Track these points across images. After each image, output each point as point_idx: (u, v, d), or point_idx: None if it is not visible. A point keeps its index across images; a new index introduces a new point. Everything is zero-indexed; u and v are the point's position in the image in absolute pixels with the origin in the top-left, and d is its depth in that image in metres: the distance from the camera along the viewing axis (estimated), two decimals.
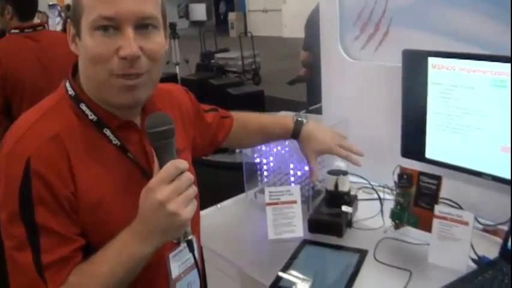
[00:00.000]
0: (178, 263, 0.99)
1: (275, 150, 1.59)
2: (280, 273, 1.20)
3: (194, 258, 0.91)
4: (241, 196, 1.68)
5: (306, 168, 1.46)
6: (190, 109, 1.19)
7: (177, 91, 1.18)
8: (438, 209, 1.17)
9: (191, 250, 0.88)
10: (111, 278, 0.83)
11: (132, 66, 0.85)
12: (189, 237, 0.86)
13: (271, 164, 1.62)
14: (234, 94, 5.12)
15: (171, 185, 0.80)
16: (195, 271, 0.97)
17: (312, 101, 3.14)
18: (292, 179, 1.56)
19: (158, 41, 0.89)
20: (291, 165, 1.55)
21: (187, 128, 1.15)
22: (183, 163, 0.83)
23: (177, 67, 6.63)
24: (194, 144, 1.19)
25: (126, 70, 0.85)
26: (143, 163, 0.94)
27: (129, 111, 0.94)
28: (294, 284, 1.16)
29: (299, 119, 1.33)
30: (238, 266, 1.30)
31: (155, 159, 0.86)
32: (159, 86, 1.08)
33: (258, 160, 1.64)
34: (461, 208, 1.29)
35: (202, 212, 1.19)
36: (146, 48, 0.86)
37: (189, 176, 0.83)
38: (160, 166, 0.83)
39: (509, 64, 1.13)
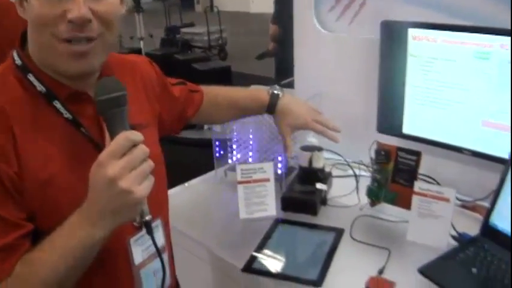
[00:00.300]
0: (142, 247, 0.90)
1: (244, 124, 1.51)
2: (254, 254, 1.14)
3: (153, 241, 0.81)
4: (211, 174, 1.61)
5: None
6: (155, 81, 1.09)
7: (141, 62, 1.09)
8: (418, 185, 1.13)
9: (149, 232, 0.79)
10: (61, 265, 0.74)
11: (82, 30, 0.77)
12: (147, 218, 0.77)
13: (251, 138, 1.53)
14: (200, 69, 5.02)
15: (123, 160, 0.71)
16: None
17: (280, 76, 3.08)
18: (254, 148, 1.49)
19: (111, 1, 0.81)
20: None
21: (151, 100, 1.06)
22: (135, 134, 0.74)
23: (141, 42, 6.44)
24: (161, 120, 1.09)
25: (73, 33, 0.77)
26: (97, 138, 0.85)
27: (81, 81, 0.85)
28: (269, 265, 1.11)
29: (275, 92, 1.25)
30: (207, 247, 1.24)
31: (106, 131, 0.77)
32: (120, 57, 1.00)
33: (228, 136, 1.56)
34: (438, 184, 1.26)
35: (169, 192, 1.10)
36: (98, 10, 0.78)
37: (143, 149, 0.74)
38: (112, 139, 0.74)
39: (493, 35, 1.10)
